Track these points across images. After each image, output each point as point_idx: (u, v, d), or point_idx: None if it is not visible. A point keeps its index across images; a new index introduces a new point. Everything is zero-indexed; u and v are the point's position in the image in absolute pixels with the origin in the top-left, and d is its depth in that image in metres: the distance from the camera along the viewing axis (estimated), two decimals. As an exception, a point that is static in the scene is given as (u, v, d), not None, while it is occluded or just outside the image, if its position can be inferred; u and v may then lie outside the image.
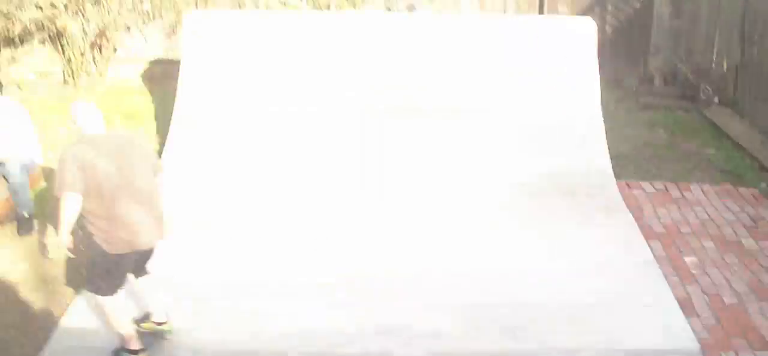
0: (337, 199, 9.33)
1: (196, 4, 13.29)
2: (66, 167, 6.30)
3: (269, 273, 7.89)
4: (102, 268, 6.55)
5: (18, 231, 8.95)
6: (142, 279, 6.96)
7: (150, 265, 6.93)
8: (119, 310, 6.73)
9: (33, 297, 7.82)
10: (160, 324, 7.03)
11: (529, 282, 7.81)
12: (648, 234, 8.74)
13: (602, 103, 10.39)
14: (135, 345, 6.75)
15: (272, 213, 9.08)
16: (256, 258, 8.19)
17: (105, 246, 6.41)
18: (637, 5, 12.79)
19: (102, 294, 6.59)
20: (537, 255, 8.27)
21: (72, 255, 6.66)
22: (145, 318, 7.08)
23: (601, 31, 12.47)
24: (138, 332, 6.87)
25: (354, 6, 12.58)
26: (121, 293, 6.69)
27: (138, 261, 6.74)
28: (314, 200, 9.31)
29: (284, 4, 12.67)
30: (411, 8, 10.90)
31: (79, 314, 7.27)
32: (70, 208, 6.32)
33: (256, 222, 8.91)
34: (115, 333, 6.77)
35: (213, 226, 8.84)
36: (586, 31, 10.52)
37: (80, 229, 6.65)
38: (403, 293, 7.64)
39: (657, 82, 12.63)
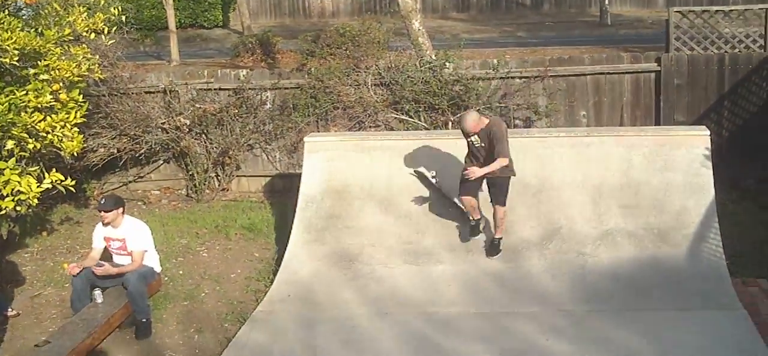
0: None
1: (317, 126, 13.84)
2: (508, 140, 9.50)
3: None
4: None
5: (136, 336, 9.37)
6: None
7: None
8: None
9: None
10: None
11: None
12: (765, 330, 8.41)
13: (720, 204, 10.38)
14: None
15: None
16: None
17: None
18: (754, 109, 12.96)
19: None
20: (649, 352, 8.13)
21: None
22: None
23: (719, 135, 12.71)
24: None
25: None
26: None
27: None
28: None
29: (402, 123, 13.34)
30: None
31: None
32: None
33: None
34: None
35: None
36: (701, 138, 10.81)
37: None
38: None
39: (776, 182, 12.68)
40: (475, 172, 9.57)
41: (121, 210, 9.73)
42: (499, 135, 9.50)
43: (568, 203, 10.58)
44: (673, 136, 11.00)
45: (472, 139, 9.66)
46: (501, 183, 9.84)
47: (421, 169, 10.93)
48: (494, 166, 9.51)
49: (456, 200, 10.44)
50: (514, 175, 9.85)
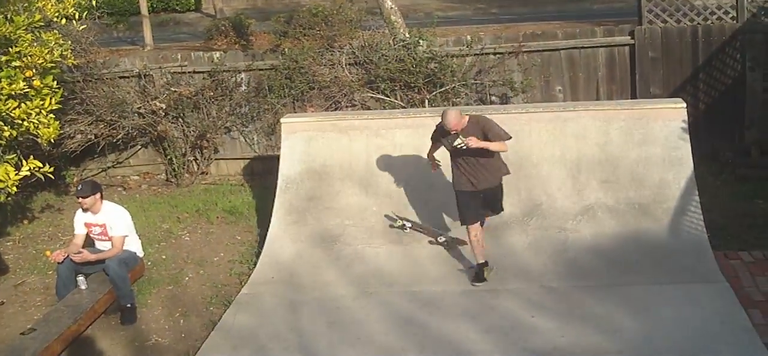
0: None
1: (294, 107, 13.76)
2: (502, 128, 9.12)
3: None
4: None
5: (121, 321, 9.35)
6: None
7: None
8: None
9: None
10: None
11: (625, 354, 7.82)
12: (747, 302, 8.49)
13: (699, 177, 10.45)
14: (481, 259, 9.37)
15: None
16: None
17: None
18: (729, 81, 13.07)
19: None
20: (632, 326, 8.17)
21: None
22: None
23: (695, 107, 12.75)
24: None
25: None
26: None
27: None
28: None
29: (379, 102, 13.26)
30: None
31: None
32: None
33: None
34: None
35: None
36: (677, 110, 10.88)
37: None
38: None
39: (753, 153, 12.71)
40: (472, 141, 8.95)
41: (98, 195, 9.70)
42: (490, 123, 9.24)
43: (547, 179, 10.65)
44: (650, 109, 11.03)
45: (457, 143, 9.19)
46: (498, 192, 9.60)
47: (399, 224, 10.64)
48: (498, 146, 9.12)
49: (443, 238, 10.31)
50: (509, 174, 9.61)
